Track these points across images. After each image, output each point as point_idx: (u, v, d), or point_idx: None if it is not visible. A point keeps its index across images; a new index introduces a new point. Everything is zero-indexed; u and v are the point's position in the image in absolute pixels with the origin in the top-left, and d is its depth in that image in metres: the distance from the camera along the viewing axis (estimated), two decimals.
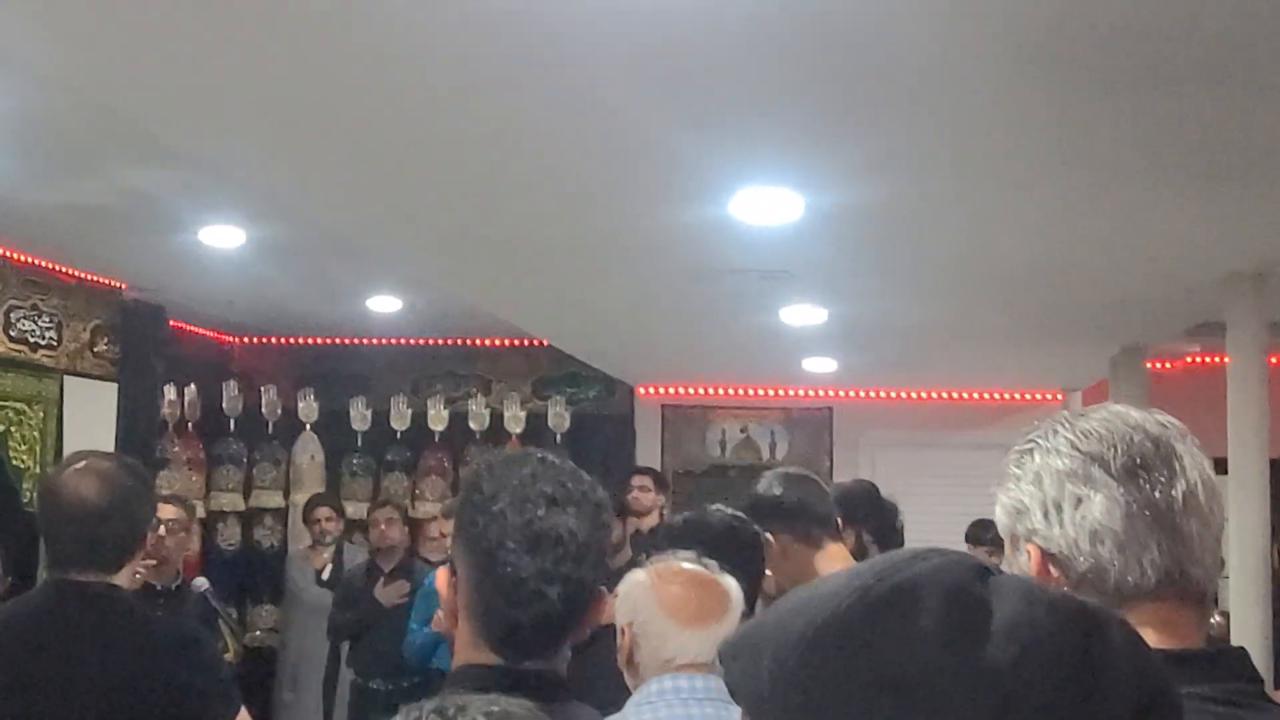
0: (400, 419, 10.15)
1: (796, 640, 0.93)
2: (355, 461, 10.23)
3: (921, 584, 0.92)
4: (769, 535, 3.82)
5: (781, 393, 10.68)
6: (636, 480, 8.58)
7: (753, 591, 3.18)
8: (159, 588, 6.01)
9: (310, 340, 10.52)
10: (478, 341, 10.44)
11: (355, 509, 9.48)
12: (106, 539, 3.05)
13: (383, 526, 7.82)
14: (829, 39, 3.15)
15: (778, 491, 3.90)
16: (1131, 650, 0.93)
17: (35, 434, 7.39)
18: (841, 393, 10.59)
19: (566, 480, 1.98)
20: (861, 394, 10.63)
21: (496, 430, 10.07)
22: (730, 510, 3.81)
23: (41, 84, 4.15)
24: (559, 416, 10.11)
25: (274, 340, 10.54)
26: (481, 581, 1.92)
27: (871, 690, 0.89)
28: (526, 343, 10.13)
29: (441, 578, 2.01)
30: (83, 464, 3.14)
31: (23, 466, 7.15)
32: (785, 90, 3.55)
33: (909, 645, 0.89)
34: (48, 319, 7.51)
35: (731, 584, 2.98)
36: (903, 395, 10.66)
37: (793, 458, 10.41)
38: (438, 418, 10.13)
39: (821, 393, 10.57)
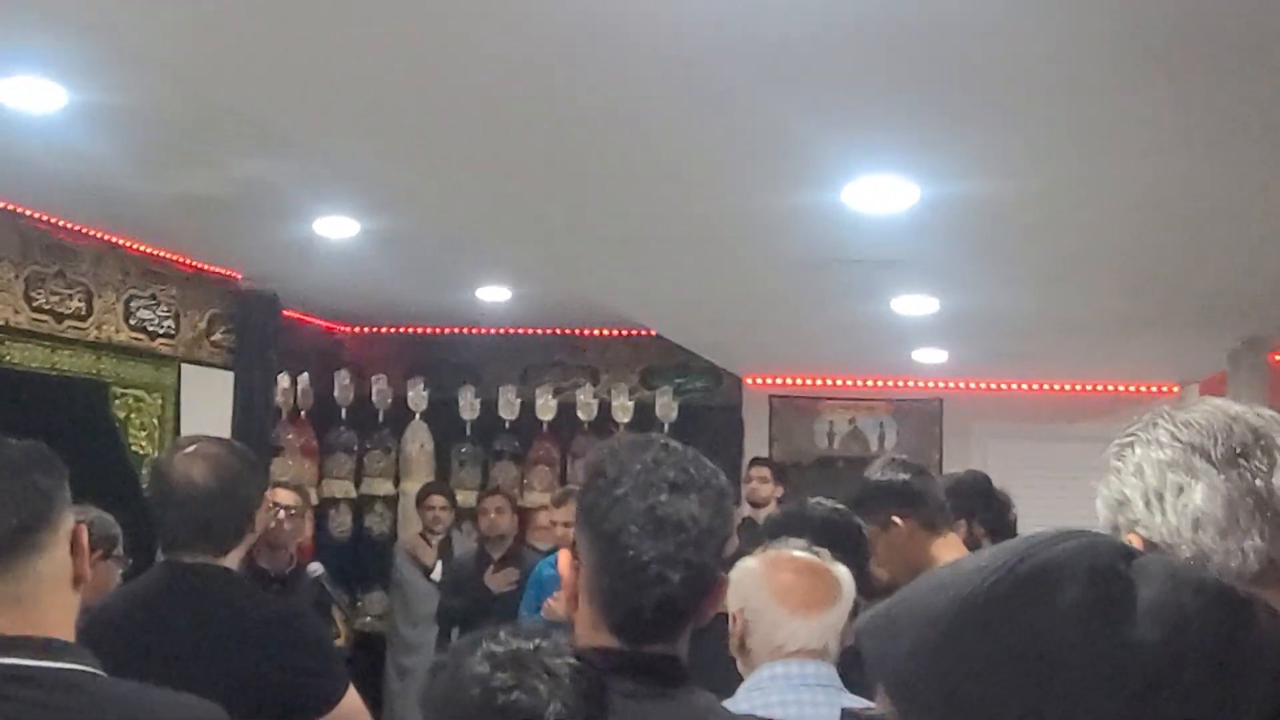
0: (509, 408, 10.21)
1: (938, 617, 0.93)
2: (464, 450, 10.31)
3: (1065, 563, 0.92)
4: (896, 519, 3.83)
5: (891, 384, 10.60)
6: (755, 471, 8.58)
7: (860, 584, 3.17)
8: (272, 572, 6.10)
9: (420, 330, 10.62)
10: (586, 331, 10.48)
11: (464, 497, 9.56)
12: (215, 521, 3.10)
13: (492, 515, 7.88)
14: (947, 28, 3.12)
15: (905, 476, 3.92)
16: (1278, 633, 0.92)
17: (154, 421, 7.54)
18: (952, 384, 10.50)
19: (690, 466, 1.99)
20: (973, 385, 10.53)
21: (604, 420, 10.11)
22: (830, 503, 3.82)
23: (158, 78, 4.22)
24: (666, 407, 10.11)
25: (384, 330, 10.66)
26: (603, 565, 1.94)
27: (1014, 666, 0.89)
28: (634, 333, 10.17)
29: (564, 560, 2.03)
30: (192, 448, 3.20)
31: (142, 453, 7.29)
32: (901, 78, 3.52)
33: (1053, 622, 0.89)
34: (166, 308, 7.65)
35: (843, 572, 2.98)
36: (1015, 387, 10.53)
37: (902, 450, 10.30)
38: (546, 407, 10.18)
39: (932, 384, 10.49)
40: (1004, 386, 10.54)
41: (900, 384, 10.56)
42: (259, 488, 3.27)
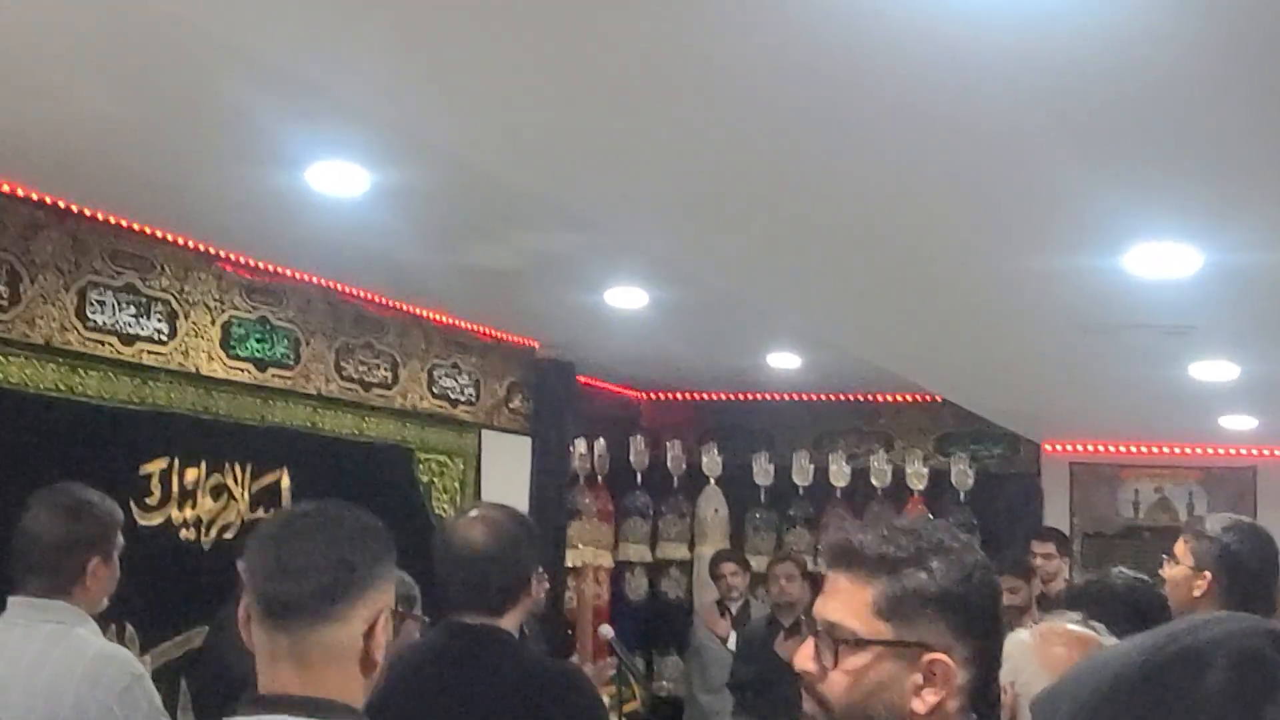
0: (802, 474, 10.20)
1: (1089, 696, 0.97)
2: (758, 516, 10.35)
3: (1214, 646, 0.95)
4: (1207, 573, 3.72)
5: (1199, 451, 10.19)
6: (1039, 547, 8.22)
7: None
8: None
9: (713, 396, 10.73)
10: (879, 397, 10.41)
11: (758, 563, 9.56)
12: (491, 583, 3.20)
13: (783, 582, 7.85)
14: (1233, 93, 3.04)
15: (1227, 539, 3.78)
16: None
17: (456, 485, 7.83)
18: (1266, 451, 10.03)
19: None
20: None
21: (898, 487, 10.02)
22: (1133, 573, 3.75)
23: (454, 163, 4.41)
24: (962, 474, 9.95)
25: (678, 396, 10.81)
26: (980, 655, 1.88)
27: None
28: (929, 399, 10.05)
29: (942, 662, 1.86)
30: (474, 512, 3.33)
31: (445, 515, 7.53)
32: (1187, 144, 3.44)
33: (1198, 702, 0.92)
34: (467, 376, 7.95)
35: None
36: None
37: None
38: (839, 473, 10.14)
39: (1244, 451, 10.04)
40: None
41: (1210, 450, 10.14)
42: (536, 554, 3.36)
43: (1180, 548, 3.82)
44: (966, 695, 1.86)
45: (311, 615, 2.03)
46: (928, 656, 1.82)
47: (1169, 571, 3.81)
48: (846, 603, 1.88)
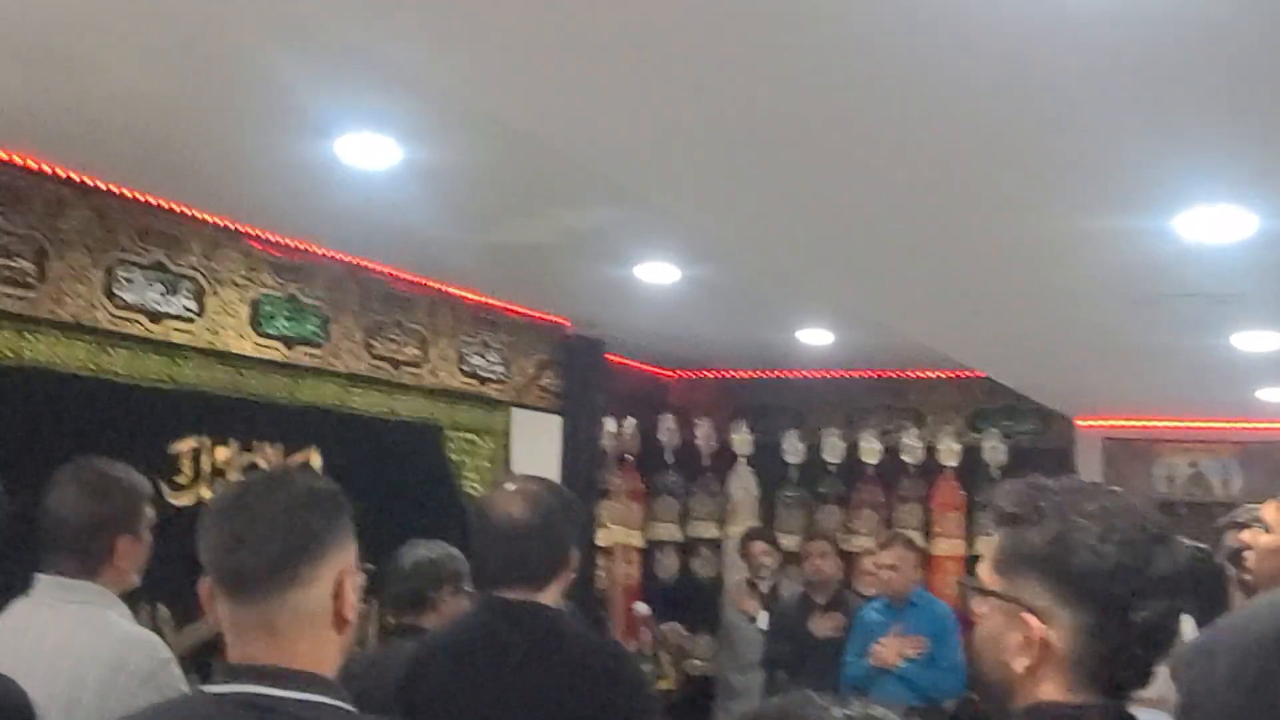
0: (833, 452, 10.18)
1: (1256, 645, 0.90)
2: (789, 494, 10.31)
3: None
4: None
5: (1235, 425, 10.10)
6: None
7: None
8: None
9: (743, 374, 10.67)
10: (910, 373, 10.35)
11: (789, 541, 9.53)
12: (531, 557, 3.14)
13: (816, 560, 7.83)
14: None
15: None
16: None
17: (486, 463, 7.77)
18: None
19: (1146, 514, 1.90)
20: None
21: (930, 464, 10.00)
22: (1191, 542, 3.66)
23: (488, 134, 4.35)
24: (994, 450, 9.91)
25: (708, 374, 10.75)
26: (1104, 627, 1.81)
27: None
28: (960, 375, 9.98)
29: (1031, 624, 1.83)
30: (512, 486, 3.26)
31: (475, 494, 7.49)
32: (1245, 102, 3.34)
33: None
34: (496, 354, 7.89)
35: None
36: None
37: (1248, 496, 9.81)
38: (870, 451, 10.11)
39: None
40: None
41: (1246, 425, 10.04)
42: (576, 528, 3.30)
43: (1273, 515, 3.68)
44: (1081, 669, 1.82)
45: (275, 583, 2.01)
46: (1022, 615, 1.83)
47: (1259, 539, 3.68)
48: (986, 556, 1.96)
